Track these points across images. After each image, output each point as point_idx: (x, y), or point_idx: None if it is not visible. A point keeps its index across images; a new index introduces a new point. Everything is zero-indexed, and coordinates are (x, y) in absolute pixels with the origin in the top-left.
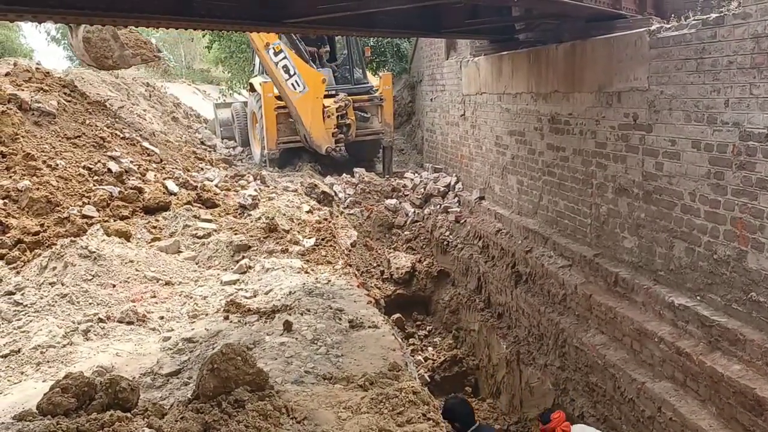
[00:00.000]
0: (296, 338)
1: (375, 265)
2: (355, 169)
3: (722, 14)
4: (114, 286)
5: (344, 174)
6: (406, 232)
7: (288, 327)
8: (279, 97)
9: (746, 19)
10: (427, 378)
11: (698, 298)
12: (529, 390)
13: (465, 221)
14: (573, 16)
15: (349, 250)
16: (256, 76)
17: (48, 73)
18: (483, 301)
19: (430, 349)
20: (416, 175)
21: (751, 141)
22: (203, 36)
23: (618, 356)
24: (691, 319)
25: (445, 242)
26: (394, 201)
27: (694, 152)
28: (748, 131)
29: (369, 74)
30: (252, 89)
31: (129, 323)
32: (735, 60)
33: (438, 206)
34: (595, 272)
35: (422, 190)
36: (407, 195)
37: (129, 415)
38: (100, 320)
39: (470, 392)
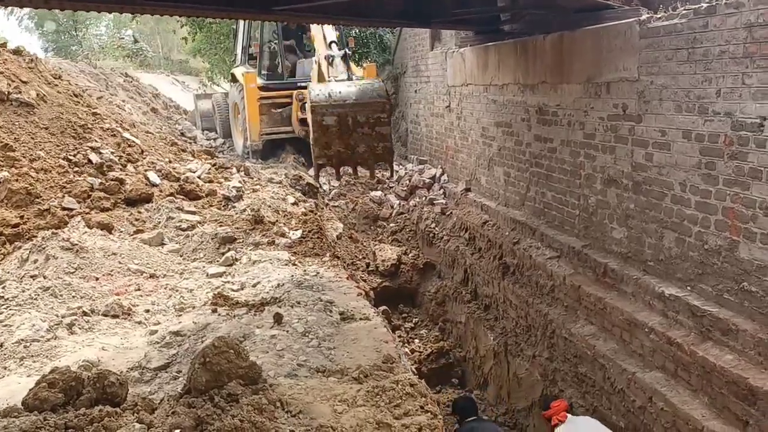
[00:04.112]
0: (287, 331)
1: (360, 257)
2: None
3: (714, 3)
4: (97, 279)
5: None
6: (391, 225)
7: (278, 319)
8: (262, 88)
9: (739, 8)
10: (414, 370)
11: (689, 288)
12: (516, 381)
13: (451, 213)
14: (560, 6)
15: (335, 243)
16: (238, 66)
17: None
18: (470, 293)
19: (416, 341)
20: (401, 167)
21: (744, 131)
22: (181, 27)
23: (608, 347)
24: (681, 309)
25: (431, 234)
26: (379, 193)
27: (684, 142)
28: (740, 121)
29: (352, 65)
30: (234, 80)
31: (114, 317)
32: (727, 49)
33: (423, 198)
34: (584, 263)
35: (407, 182)
36: (392, 187)
37: (118, 410)
38: (85, 314)
39: (457, 384)
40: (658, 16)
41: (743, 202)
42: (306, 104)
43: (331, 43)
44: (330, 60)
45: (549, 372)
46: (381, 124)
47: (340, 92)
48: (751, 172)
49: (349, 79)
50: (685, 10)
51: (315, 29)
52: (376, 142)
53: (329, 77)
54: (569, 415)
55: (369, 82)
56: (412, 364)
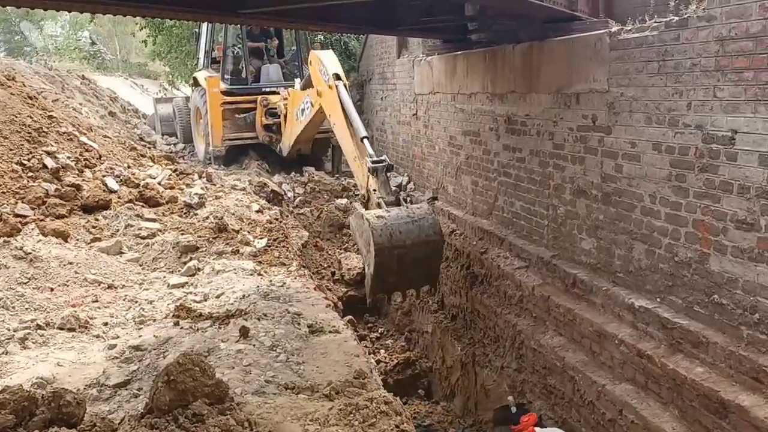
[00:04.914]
0: (254, 345)
1: (326, 266)
2: (305, 168)
3: (686, 16)
4: (52, 289)
5: (293, 173)
6: None
7: (245, 333)
8: (225, 93)
9: (710, 21)
10: (380, 381)
11: (658, 300)
12: (484, 392)
13: None
14: (528, 16)
15: (301, 251)
16: (200, 70)
17: None
18: (437, 303)
19: (382, 351)
20: None
21: (715, 143)
22: (140, 29)
23: (577, 358)
24: (651, 321)
25: None
26: (344, 200)
27: (654, 154)
28: (711, 134)
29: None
30: (196, 84)
31: (70, 330)
32: (698, 62)
33: None
34: (553, 273)
35: None
36: (358, 194)
37: (75, 431)
38: (39, 327)
39: (423, 395)
40: (628, 28)
41: (714, 215)
42: (280, 113)
43: (363, 138)
44: (374, 172)
45: (517, 383)
46: (434, 257)
47: (400, 232)
48: (722, 185)
49: (398, 201)
50: (656, 22)
51: (335, 114)
52: (427, 271)
53: (378, 197)
54: (537, 429)
55: (424, 217)
56: (379, 375)
